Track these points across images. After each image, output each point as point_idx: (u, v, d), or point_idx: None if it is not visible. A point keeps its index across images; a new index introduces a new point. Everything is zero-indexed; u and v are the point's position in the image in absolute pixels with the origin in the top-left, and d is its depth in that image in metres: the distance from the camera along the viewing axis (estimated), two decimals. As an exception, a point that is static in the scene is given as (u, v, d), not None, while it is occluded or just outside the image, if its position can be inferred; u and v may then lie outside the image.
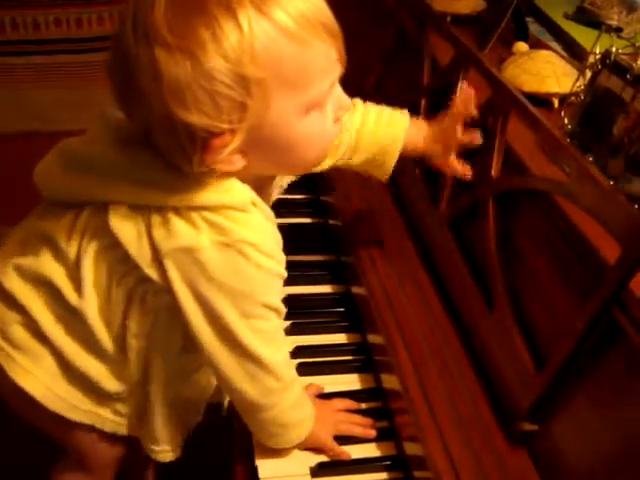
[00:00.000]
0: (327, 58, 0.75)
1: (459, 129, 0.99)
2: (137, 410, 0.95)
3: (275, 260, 0.81)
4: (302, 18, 0.71)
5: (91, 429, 0.95)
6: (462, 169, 1.00)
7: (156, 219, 0.78)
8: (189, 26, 0.68)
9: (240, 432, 0.94)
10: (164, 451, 0.97)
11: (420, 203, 1.16)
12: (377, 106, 1.05)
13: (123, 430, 0.97)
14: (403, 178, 1.23)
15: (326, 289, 1.23)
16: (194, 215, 0.77)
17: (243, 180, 0.80)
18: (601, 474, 0.76)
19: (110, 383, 0.91)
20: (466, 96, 0.99)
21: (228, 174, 0.78)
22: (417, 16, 1.28)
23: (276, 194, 0.99)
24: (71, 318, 0.87)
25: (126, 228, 0.79)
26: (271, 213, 0.84)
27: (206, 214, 0.77)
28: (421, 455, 0.86)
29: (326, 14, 0.74)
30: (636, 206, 0.77)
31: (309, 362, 1.07)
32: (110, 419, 0.95)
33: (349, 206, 1.25)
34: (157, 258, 0.78)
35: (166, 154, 0.75)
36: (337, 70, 0.77)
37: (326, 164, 1.01)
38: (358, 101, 1.03)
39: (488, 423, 0.87)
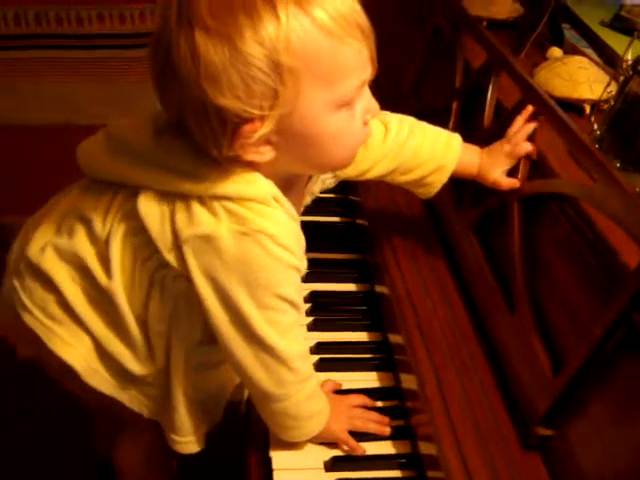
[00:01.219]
0: (359, 56, 0.76)
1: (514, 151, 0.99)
2: (161, 396, 0.96)
3: (293, 253, 0.82)
4: (339, 16, 0.73)
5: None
6: (512, 182, 0.99)
7: (180, 206, 0.80)
8: (230, 13, 0.70)
9: (255, 422, 0.95)
10: (184, 442, 0.98)
11: (446, 206, 1.16)
12: (433, 127, 1.05)
13: (148, 413, 0.99)
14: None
15: (351, 287, 1.24)
16: (216, 204, 0.79)
17: (270, 177, 0.81)
18: (615, 481, 0.75)
19: (136, 366, 0.93)
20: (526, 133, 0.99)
21: (255, 165, 0.80)
22: (453, 20, 1.28)
23: (308, 201, 1.01)
24: (101, 299, 0.90)
25: (152, 212, 0.81)
26: (294, 212, 0.85)
27: (227, 204, 0.78)
28: (435, 455, 0.86)
29: (361, 15, 0.76)
30: (660, 213, 0.77)
31: (330, 358, 1.08)
32: (137, 399, 0.97)
33: (377, 207, 1.26)
34: (177, 244, 0.80)
35: (197, 138, 0.77)
36: (367, 71, 0.78)
37: (373, 174, 1.03)
38: (414, 120, 1.05)
39: (503, 426, 0.87)
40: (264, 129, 0.74)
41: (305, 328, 1.12)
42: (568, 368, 0.80)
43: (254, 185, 0.80)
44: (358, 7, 0.76)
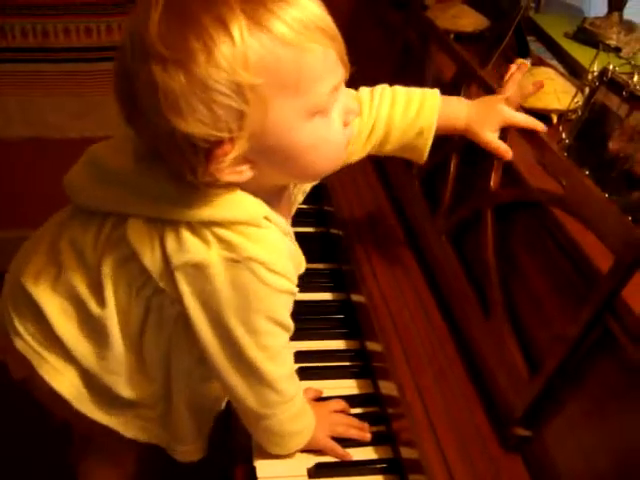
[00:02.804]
0: (326, 61, 0.74)
1: (507, 111, 0.97)
2: (161, 415, 0.96)
3: (286, 278, 0.81)
4: (296, 23, 0.70)
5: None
6: (504, 149, 0.97)
7: (169, 233, 0.79)
8: (181, 38, 0.68)
9: (240, 433, 0.95)
10: (188, 451, 0.98)
11: (419, 214, 1.18)
12: (406, 90, 1.02)
13: (143, 437, 0.98)
14: (402, 189, 1.26)
15: (327, 296, 1.25)
16: (205, 231, 0.78)
17: (257, 192, 0.80)
18: (593, 478, 0.77)
19: (129, 392, 0.92)
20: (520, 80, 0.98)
21: (238, 185, 0.78)
22: (422, 33, 1.30)
23: (300, 200, 1.00)
24: (94, 330, 0.89)
25: (142, 240, 0.80)
26: (287, 227, 0.85)
27: (217, 230, 0.78)
28: (417, 459, 0.88)
29: (323, 19, 0.74)
30: (630, 217, 0.80)
31: (309, 367, 1.09)
32: (132, 424, 0.96)
33: (351, 216, 1.28)
34: (169, 270, 0.79)
35: (173, 167, 0.76)
36: (339, 73, 0.76)
37: (357, 156, 1.00)
38: (385, 87, 1.02)
39: (483, 428, 0.89)
40: (236, 151, 0.72)
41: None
42: (544, 370, 0.82)
43: (242, 208, 0.79)
44: (318, 10, 0.74)
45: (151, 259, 0.80)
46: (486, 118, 0.98)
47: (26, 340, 0.91)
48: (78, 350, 0.89)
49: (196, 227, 0.78)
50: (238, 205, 0.79)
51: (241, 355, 0.82)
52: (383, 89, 1.01)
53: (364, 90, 1.01)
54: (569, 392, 0.81)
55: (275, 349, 0.85)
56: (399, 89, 1.02)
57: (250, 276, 0.78)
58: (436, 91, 1.01)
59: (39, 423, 1.05)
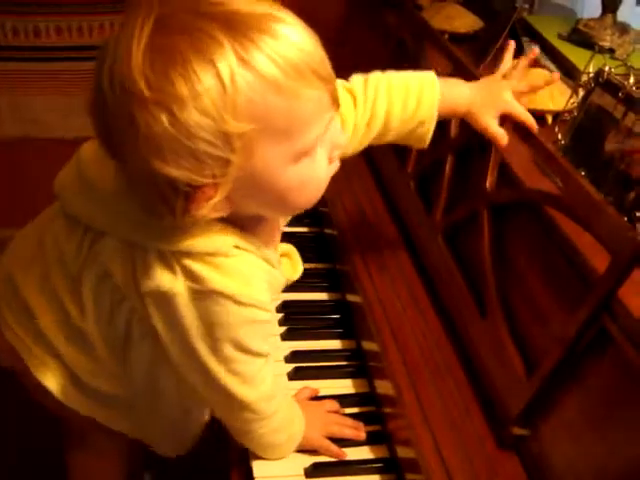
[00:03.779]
0: (319, 105, 0.69)
1: (511, 99, 0.94)
2: (145, 413, 0.96)
3: (256, 307, 0.78)
4: (290, 67, 0.65)
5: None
6: (502, 135, 0.94)
7: (139, 258, 0.77)
8: (166, 79, 0.63)
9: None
10: (172, 449, 0.99)
11: (415, 214, 1.18)
12: (402, 78, 0.97)
13: (128, 432, 0.98)
14: (398, 189, 1.26)
15: (322, 296, 1.25)
16: (173, 260, 0.76)
17: (233, 219, 0.77)
18: (590, 478, 0.78)
19: (114, 391, 0.92)
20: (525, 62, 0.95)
21: (211, 219, 0.74)
22: (416, 34, 1.31)
23: (283, 223, 0.96)
24: (77, 335, 0.88)
25: (115, 260, 0.80)
26: (267, 251, 0.82)
27: (185, 260, 0.75)
28: (413, 458, 0.88)
29: (316, 58, 0.68)
30: (625, 218, 0.80)
31: (304, 367, 1.09)
32: (117, 419, 0.96)
33: (345, 216, 1.28)
34: (139, 294, 0.78)
35: (148, 204, 0.72)
36: (330, 113, 0.72)
37: (358, 148, 0.97)
38: (380, 77, 0.96)
39: (480, 427, 0.90)
40: (219, 195, 0.69)
41: (279, 338, 1.14)
42: (541, 369, 0.83)
43: (211, 238, 0.75)
44: (311, 46, 0.68)
45: (123, 280, 0.80)
46: (489, 103, 0.95)
47: (15, 331, 0.91)
48: (61, 349, 0.89)
49: (165, 255, 0.76)
50: (207, 235, 0.75)
51: (213, 380, 0.82)
52: (378, 80, 0.96)
53: (357, 80, 0.96)
54: (566, 392, 0.81)
55: (248, 374, 0.83)
56: (394, 79, 0.96)
57: (216, 308, 0.76)
58: (433, 76, 0.96)
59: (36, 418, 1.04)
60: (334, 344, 1.16)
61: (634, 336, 0.73)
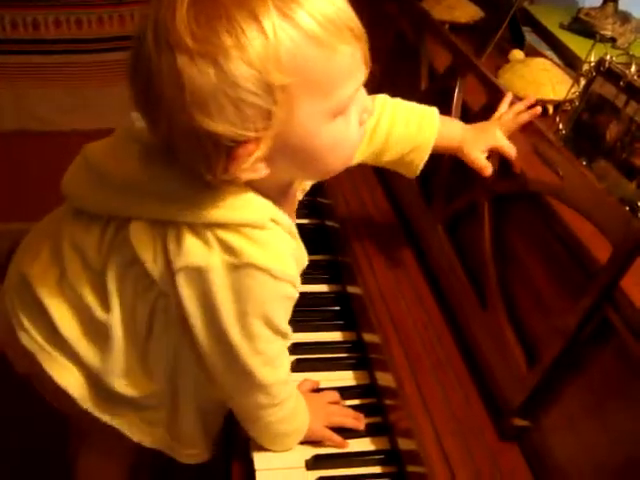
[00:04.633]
0: (353, 61, 0.72)
1: (499, 136, 0.98)
2: (167, 418, 0.95)
3: (288, 283, 0.80)
4: (328, 22, 0.68)
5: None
6: (485, 164, 0.97)
7: (172, 235, 0.77)
8: (211, 31, 0.65)
9: (238, 425, 0.95)
10: (195, 454, 0.98)
11: (416, 205, 1.18)
12: (407, 104, 1.02)
13: (148, 440, 0.96)
14: (398, 180, 1.26)
15: (323, 288, 1.25)
16: (208, 233, 0.76)
17: (267, 191, 0.79)
18: (591, 469, 0.78)
19: (132, 392, 0.91)
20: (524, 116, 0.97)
21: (251, 182, 0.77)
22: (416, 23, 1.30)
23: (300, 198, 0.99)
24: (97, 333, 0.87)
25: (143, 243, 0.79)
26: (292, 226, 0.83)
27: (220, 232, 0.76)
28: (415, 450, 0.88)
29: (351, 16, 0.71)
30: (627, 208, 0.80)
31: (305, 359, 1.09)
32: (137, 427, 0.95)
33: (346, 207, 1.27)
34: (170, 273, 0.78)
35: (188, 163, 0.74)
36: (362, 73, 0.75)
37: (354, 161, 0.96)
38: (386, 98, 1.01)
39: (481, 419, 0.90)
40: (261, 150, 0.70)
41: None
42: (542, 361, 0.82)
43: (249, 209, 0.77)
44: (345, 6, 0.71)
45: (153, 262, 0.79)
46: (479, 140, 0.99)
47: (32, 336, 0.90)
48: (81, 351, 0.88)
49: (199, 229, 0.76)
50: (247, 206, 0.77)
51: (236, 358, 0.82)
52: (384, 99, 1.00)
53: None
54: (567, 383, 0.81)
55: (270, 354, 0.84)
56: (400, 101, 1.02)
57: (251, 282, 0.77)
58: (435, 110, 1.02)
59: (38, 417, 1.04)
60: (335, 336, 1.16)
61: (636, 327, 0.72)
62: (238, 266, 0.76)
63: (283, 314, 0.83)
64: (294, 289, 0.82)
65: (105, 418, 0.92)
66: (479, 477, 0.83)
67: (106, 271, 0.84)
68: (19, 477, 1.64)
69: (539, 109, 0.95)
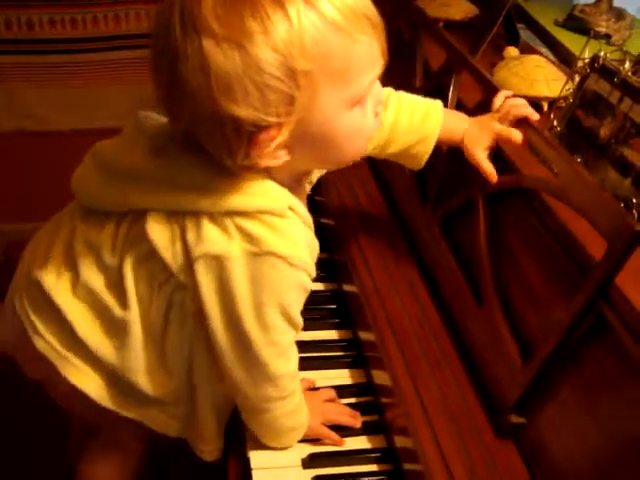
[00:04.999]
0: (371, 51, 0.74)
1: (498, 127, 0.97)
2: (186, 413, 0.95)
3: (305, 272, 0.81)
4: (348, 10, 0.70)
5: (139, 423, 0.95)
6: (491, 171, 0.97)
7: (190, 224, 0.78)
8: (237, 16, 0.67)
9: (234, 422, 0.95)
10: (213, 450, 0.98)
11: (411, 202, 1.18)
12: (411, 97, 1.03)
13: (172, 432, 0.97)
14: (394, 178, 1.26)
15: (318, 286, 1.24)
16: (227, 221, 0.77)
17: (284, 179, 0.80)
18: (587, 465, 0.78)
19: (152, 389, 0.91)
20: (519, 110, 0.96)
21: (269, 170, 0.78)
22: (411, 21, 1.30)
23: (308, 189, 0.99)
24: (116, 331, 0.87)
25: (162, 234, 0.79)
26: (308, 216, 0.84)
27: (239, 220, 0.77)
28: (411, 448, 0.88)
29: (369, 6, 0.73)
30: (622, 204, 0.80)
31: (302, 357, 1.07)
32: (160, 419, 0.95)
33: (341, 206, 1.27)
34: (188, 262, 0.78)
35: (210, 149, 0.75)
36: (380, 64, 0.76)
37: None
38: (391, 91, 1.01)
39: (477, 416, 0.89)
40: (282, 136, 0.72)
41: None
42: (538, 357, 0.82)
43: (269, 196, 0.78)
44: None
45: (171, 253, 0.80)
46: (481, 135, 0.99)
47: (48, 340, 0.89)
48: (100, 351, 0.88)
49: (217, 217, 0.77)
50: (266, 193, 0.78)
51: (250, 348, 0.82)
52: (389, 92, 1.01)
53: None
54: (563, 379, 0.81)
55: (283, 345, 0.85)
56: (404, 94, 1.03)
57: (270, 270, 0.77)
58: (439, 102, 1.03)
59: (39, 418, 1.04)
60: (331, 334, 1.16)
61: (631, 323, 0.72)
62: (258, 254, 0.77)
63: (298, 304, 0.84)
64: (309, 278, 0.82)
65: (129, 414, 0.92)
66: (475, 474, 0.83)
67: (122, 268, 0.84)
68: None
69: (536, 116, 0.94)
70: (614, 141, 0.90)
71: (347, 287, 1.19)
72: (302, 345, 1.10)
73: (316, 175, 1.00)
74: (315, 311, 1.20)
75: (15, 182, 2.16)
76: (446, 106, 1.11)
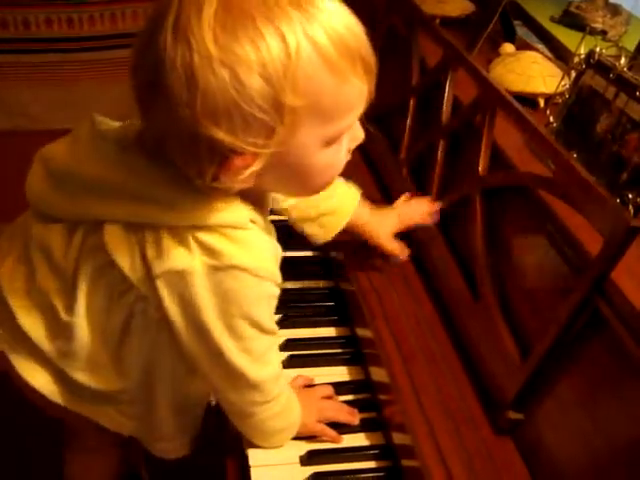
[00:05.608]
0: (360, 95, 0.73)
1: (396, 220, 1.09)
2: (142, 411, 0.94)
3: (270, 281, 0.80)
4: (345, 50, 0.69)
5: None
6: (399, 247, 1.09)
7: (150, 238, 0.76)
8: (235, 41, 0.64)
9: (231, 422, 0.95)
10: (169, 448, 0.98)
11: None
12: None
13: (125, 430, 0.97)
14: (391, 175, 1.26)
15: (316, 284, 1.25)
16: (188, 236, 0.75)
17: (249, 195, 0.79)
18: (584, 461, 0.78)
19: (105, 388, 0.90)
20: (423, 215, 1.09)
21: (233, 191, 0.76)
22: (407, 18, 1.30)
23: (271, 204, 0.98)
24: (60, 333, 0.87)
25: (120, 247, 0.78)
26: (270, 225, 0.84)
27: (200, 235, 0.75)
28: (409, 444, 0.88)
29: (367, 47, 0.72)
30: (618, 200, 0.80)
31: (299, 354, 1.09)
32: (113, 418, 0.95)
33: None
34: (150, 278, 0.77)
35: (178, 162, 0.72)
36: (363, 106, 0.75)
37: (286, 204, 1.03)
38: None
39: (475, 412, 0.90)
40: (255, 166, 0.70)
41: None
42: (535, 353, 0.83)
43: (231, 211, 0.76)
44: (363, 35, 0.72)
45: (131, 266, 0.78)
46: (383, 224, 1.10)
47: (1, 334, 0.90)
48: (46, 349, 0.88)
49: (178, 231, 0.75)
50: (228, 208, 0.76)
51: (224, 359, 0.81)
52: None
53: None
54: (560, 375, 0.81)
55: (258, 352, 0.83)
56: None
57: (233, 283, 0.76)
58: (356, 191, 1.09)
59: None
60: (329, 331, 1.16)
61: (627, 319, 0.72)
62: (220, 268, 0.75)
63: (268, 313, 0.82)
64: (276, 287, 0.81)
65: (81, 411, 0.92)
66: (473, 470, 0.83)
67: (77, 276, 0.82)
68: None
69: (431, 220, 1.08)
70: (610, 137, 0.90)
71: (344, 285, 1.19)
72: (300, 342, 1.12)
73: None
74: (313, 308, 1.20)
75: (10, 181, 2.16)
76: (442, 103, 1.12)
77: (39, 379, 0.90)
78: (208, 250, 0.75)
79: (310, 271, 1.27)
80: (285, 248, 1.20)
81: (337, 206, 1.06)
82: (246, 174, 0.71)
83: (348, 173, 1.30)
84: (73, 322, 0.85)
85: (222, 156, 0.69)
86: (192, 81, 0.65)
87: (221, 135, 0.67)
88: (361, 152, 1.36)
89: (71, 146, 0.84)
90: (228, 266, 0.75)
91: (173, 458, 0.98)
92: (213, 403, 0.99)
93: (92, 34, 2.07)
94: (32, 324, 0.87)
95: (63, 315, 0.85)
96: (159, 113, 0.70)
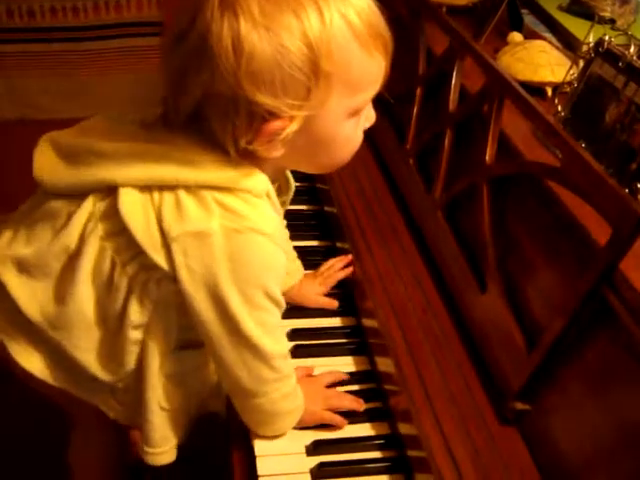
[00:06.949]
0: (380, 70, 0.79)
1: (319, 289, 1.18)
2: (134, 403, 0.94)
3: (283, 251, 0.82)
4: (371, 27, 0.76)
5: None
6: (329, 303, 1.16)
7: (167, 200, 0.77)
8: (279, 10, 0.71)
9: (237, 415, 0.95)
10: (156, 453, 0.96)
11: (414, 189, 1.17)
12: None
13: (122, 418, 0.97)
14: (397, 165, 1.25)
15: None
16: (207, 196, 0.77)
17: (265, 169, 0.81)
18: (591, 452, 0.78)
19: (102, 373, 0.90)
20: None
21: (261, 160, 0.79)
22: (413, 7, 1.29)
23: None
24: (61, 309, 0.86)
25: (135, 212, 0.78)
26: (280, 208, 0.86)
27: (219, 195, 0.77)
28: (415, 434, 0.88)
29: (386, 29, 0.79)
30: (626, 189, 0.79)
31: (305, 344, 1.09)
32: (109, 403, 0.95)
33: (345, 193, 1.27)
34: (165, 242, 0.77)
35: (215, 125, 0.76)
36: (380, 84, 0.81)
37: None
38: None
39: (481, 403, 0.89)
40: (291, 128, 0.75)
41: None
42: (542, 343, 0.82)
43: (252, 178, 0.79)
44: (381, 18, 0.78)
45: (145, 232, 0.78)
46: (312, 285, 1.18)
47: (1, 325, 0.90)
48: (45, 327, 0.87)
49: (197, 192, 0.77)
50: (251, 175, 0.79)
51: (239, 329, 0.81)
52: None
53: None
54: (567, 366, 0.81)
55: (271, 325, 0.84)
56: None
57: (252, 246, 0.78)
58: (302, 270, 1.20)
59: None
60: (334, 321, 1.15)
61: (636, 309, 0.72)
62: (240, 231, 0.77)
63: (278, 283, 0.83)
64: (285, 260, 0.84)
65: (76, 393, 0.93)
66: (479, 460, 0.83)
67: (82, 246, 0.83)
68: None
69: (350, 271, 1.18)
70: (619, 126, 0.90)
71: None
72: (305, 332, 1.12)
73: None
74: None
75: (17, 170, 2.16)
76: (449, 92, 1.11)
77: (35, 364, 0.91)
78: (228, 210, 0.77)
79: (316, 261, 1.26)
80: (292, 238, 1.21)
81: (290, 271, 1.14)
82: (280, 138, 0.75)
83: (355, 163, 1.31)
84: (75, 295, 0.85)
85: (260, 120, 0.74)
86: (238, 47, 0.70)
87: (262, 97, 0.72)
88: (368, 142, 1.35)
89: (82, 130, 0.87)
90: (248, 228, 0.77)
91: (157, 464, 0.97)
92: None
93: (98, 23, 2.06)
94: (31, 303, 0.87)
95: (64, 289, 0.85)
96: (197, 81, 0.74)
